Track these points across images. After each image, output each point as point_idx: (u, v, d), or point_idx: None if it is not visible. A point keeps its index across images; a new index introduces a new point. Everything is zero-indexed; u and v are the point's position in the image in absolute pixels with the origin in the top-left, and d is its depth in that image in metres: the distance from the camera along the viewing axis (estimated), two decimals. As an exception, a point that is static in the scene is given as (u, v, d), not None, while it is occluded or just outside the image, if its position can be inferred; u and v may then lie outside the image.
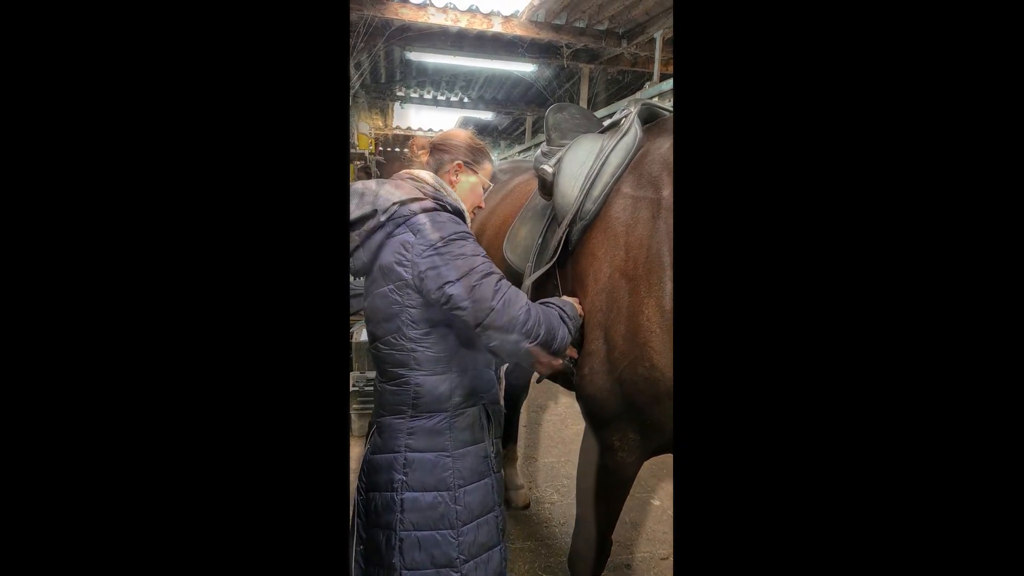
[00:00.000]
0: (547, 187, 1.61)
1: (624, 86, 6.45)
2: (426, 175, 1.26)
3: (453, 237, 1.14)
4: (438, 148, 1.32)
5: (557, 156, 1.64)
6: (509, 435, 2.87)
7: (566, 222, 1.49)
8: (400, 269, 1.16)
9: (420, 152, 1.34)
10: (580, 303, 1.42)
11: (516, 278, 1.77)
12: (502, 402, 1.37)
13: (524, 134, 9.63)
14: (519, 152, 8.08)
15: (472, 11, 4.69)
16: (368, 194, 1.20)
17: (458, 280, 1.12)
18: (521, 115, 9.03)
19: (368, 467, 1.23)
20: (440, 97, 8.10)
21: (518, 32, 4.77)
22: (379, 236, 1.18)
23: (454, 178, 1.29)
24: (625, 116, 1.60)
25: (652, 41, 4.85)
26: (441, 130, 1.47)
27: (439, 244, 1.13)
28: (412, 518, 1.14)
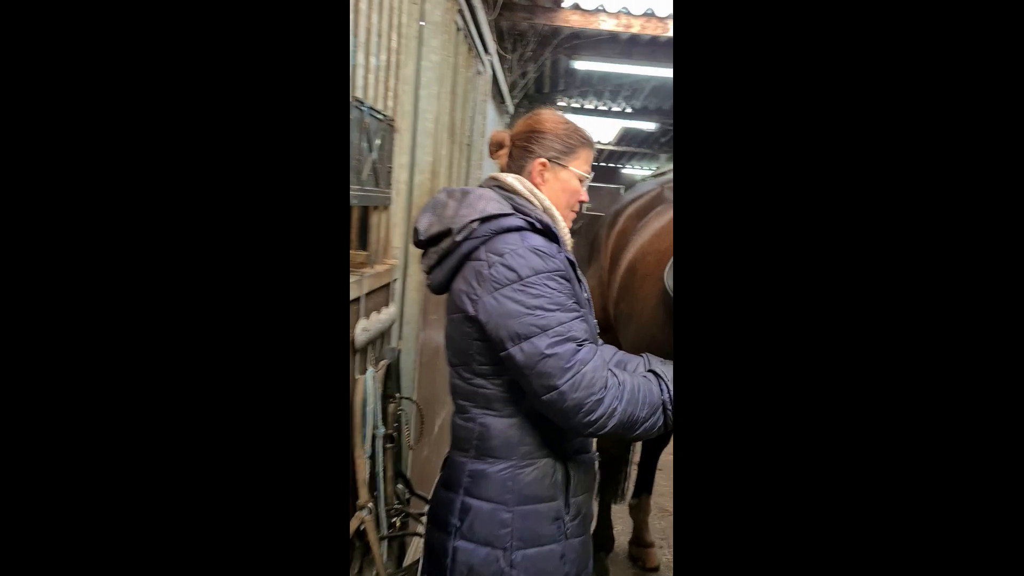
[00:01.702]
0: None
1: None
2: (514, 180, 1.07)
3: (531, 279, 0.94)
4: (518, 143, 1.10)
5: None
6: (644, 484, 2.55)
7: None
8: (467, 302, 0.99)
9: (498, 151, 1.13)
10: None
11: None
12: (595, 452, 1.15)
13: (688, 147, 9.01)
14: (681, 166, 7.55)
15: (647, 15, 4.40)
16: (448, 208, 1.03)
17: (525, 341, 0.93)
18: (687, 127, 8.47)
19: (434, 499, 1.13)
20: (602, 107, 7.90)
21: (696, 36, 4.37)
22: (454, 258, 1.02)
23: (539, 179, 1.08)
24: None
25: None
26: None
27: (514, 284, 0.94)
28: (463, 570, 1.01)
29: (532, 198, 1.06)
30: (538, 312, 0.93)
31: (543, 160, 1.07)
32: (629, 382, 0.96)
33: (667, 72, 5.36)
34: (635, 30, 4.41)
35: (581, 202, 1.12)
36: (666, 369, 1.04)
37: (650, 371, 1.04)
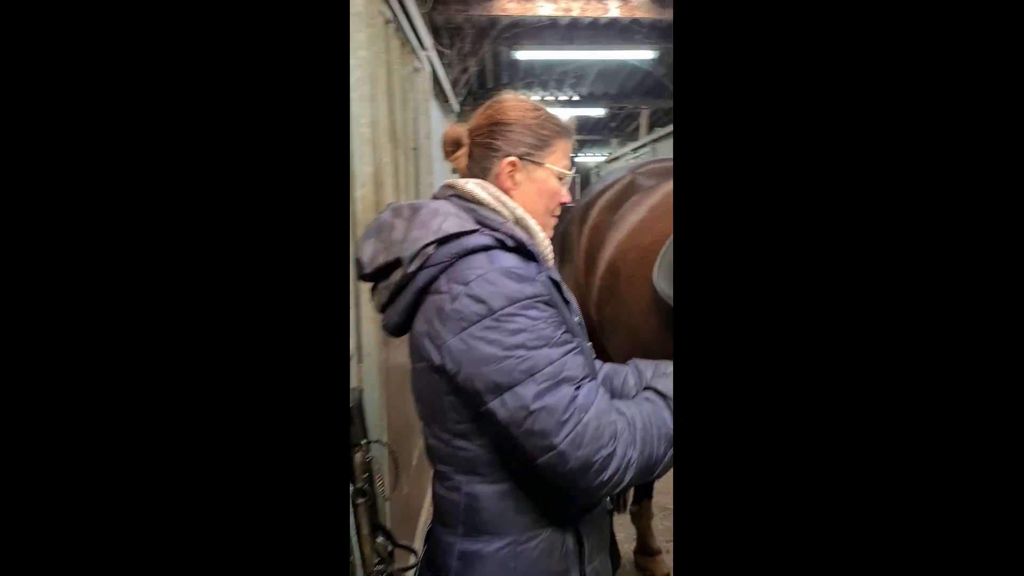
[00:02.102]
0: None
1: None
2: (475, 187, 0.85)
3: (507, 311, 0.74)
4: (479, 140, 0.88)
5: None
6: (644, 488, 2.41)
7: None
8: (431, 348, 0.79)
9: (455, 152, 0.91)
10: None
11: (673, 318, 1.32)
12: (607, 500, 0.94)
13: (638, 130, 9.01)
14: (633, 151, 7.50)
15: (585, -3, 4.27)
16: (396, 230, 0.82)
17: (507, 391, 0.73)
18: (635, 109, 8.45)
19: None
20: (549, 97, 7.77)
21: (637, 15, 4.27)
22: (409, 293, 0.80)
23: (509, 182, 0.86)
24: None
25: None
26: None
27: (485, 320, 0.74)
28: None
29: (500, 207, 0.85)
30: (519, 353, 0.73)
31: (512, 158, 0.86)
32: (639, 418, 0.78)
33: (611, 55, 5.25)
34: (575, 13, 4.28)
35: (562, 204, 0.91)
36: (666, 383, 0.86)
37: (649, 389, 0.86)
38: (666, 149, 4.97)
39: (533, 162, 0.87)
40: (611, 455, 0.73)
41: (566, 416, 0.72)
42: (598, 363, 1.04)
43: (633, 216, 1.65)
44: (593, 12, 4.27)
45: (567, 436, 0.72)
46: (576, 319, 0.87)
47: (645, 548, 2.41)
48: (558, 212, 0.91)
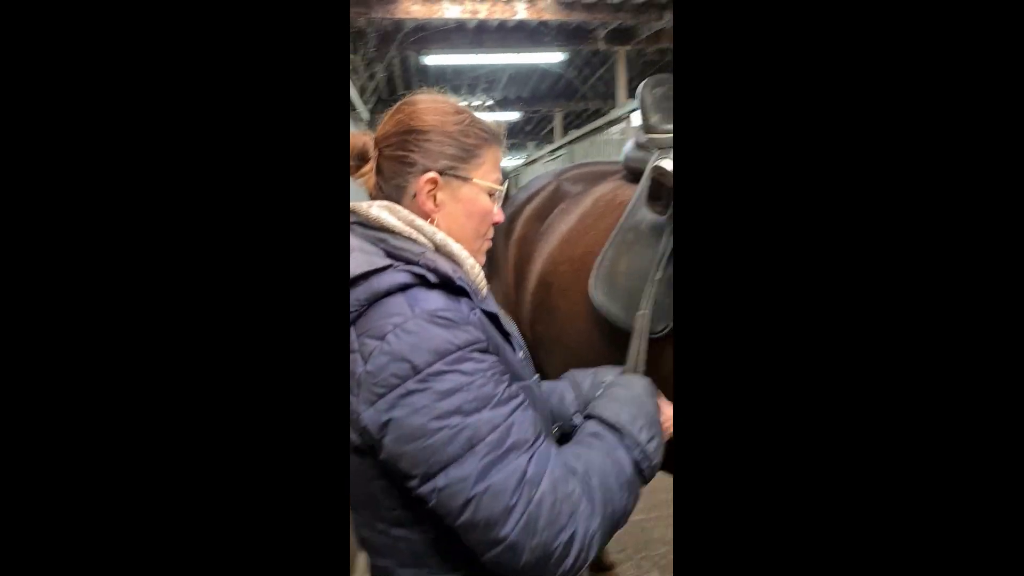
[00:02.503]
0: (666, 193, 1.14)
1: (666, 67, 5.84)
2: (381, 212, 0.69)
3: (435, 368, 0.59)
4: (389, 152, 0.71)
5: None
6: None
7: None
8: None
9: (361, 168, 0.74)
10: None
11: (616, 334, 1.22)
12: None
13: (553, 132, 9.10)
14: (551, 152, 7.53)
15: (492, -1, 4.19)
16: None
17: (440, 473, 0.58)
18: (549, 112, 8.52)
19: None
20: (463, 103, 7.66)
21: (545, 16, 4.24)
22: None
23: (430, 204, 0.70)
24: None
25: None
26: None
27: (407, 383, 0.59)
28: None
29: (415, 234, 0.68)
30: (454, 420, 0.58)
31: (432, 174, 0.69)
32: (594, 473, 0.65)
33: (522, 58, 5.21)
34: (482, 16, 4.18)
35: (495, 224, 0.75)
36: (610, 404, 0.73)
37: (593, 418, 0.73)
38: (583, 150, 4.99)
39: (458, 177, 0.70)
40: (572, 537, 0.59)
41: (514, 500, 0.57)
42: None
43: (562, 226, 1.55)
44: (500, 14, 4.19)
45: (517, 524, 0.57)
46: (520, 355, 0.73)
47: (599, 565, 2.33)
48: (491, 234, 0.75)
